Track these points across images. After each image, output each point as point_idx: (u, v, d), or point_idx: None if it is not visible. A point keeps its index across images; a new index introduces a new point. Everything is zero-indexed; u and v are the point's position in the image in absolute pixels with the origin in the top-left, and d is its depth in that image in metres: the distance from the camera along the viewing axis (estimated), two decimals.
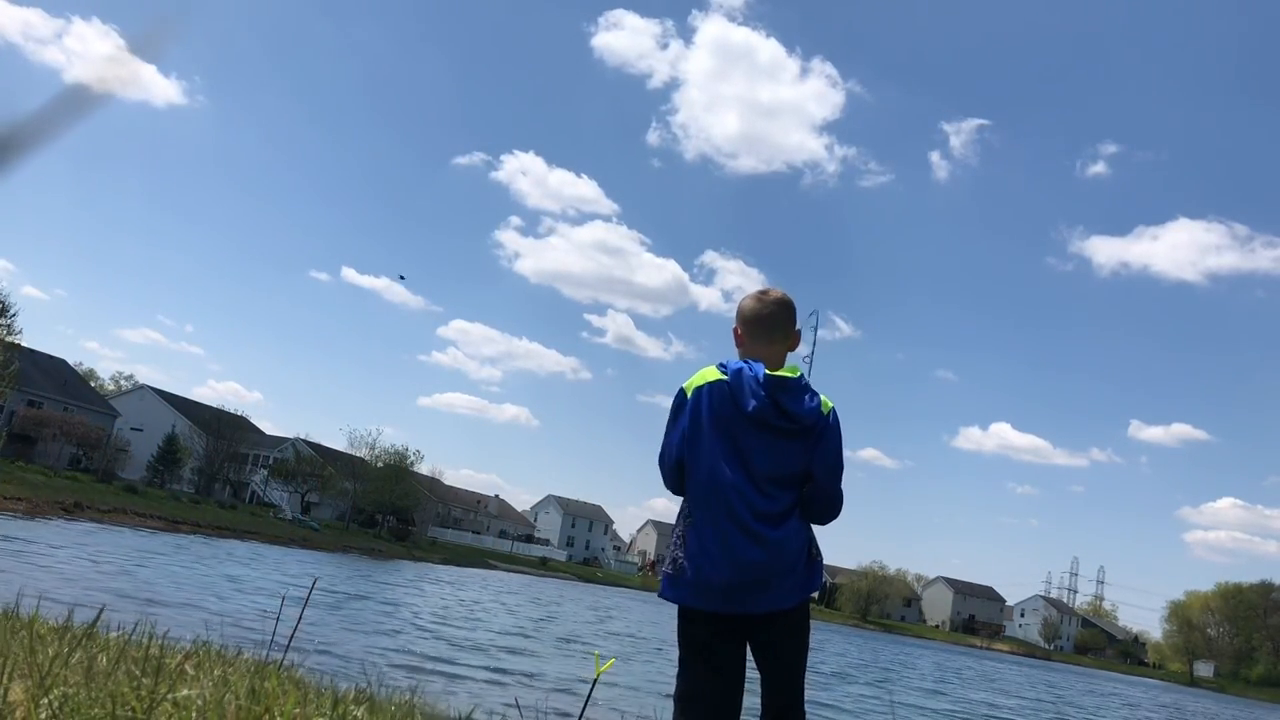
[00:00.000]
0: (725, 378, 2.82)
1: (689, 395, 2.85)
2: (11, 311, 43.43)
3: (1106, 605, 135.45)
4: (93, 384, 70.55)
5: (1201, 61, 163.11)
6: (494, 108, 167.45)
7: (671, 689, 2.78)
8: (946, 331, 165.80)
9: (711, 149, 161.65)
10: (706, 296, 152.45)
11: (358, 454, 67.32)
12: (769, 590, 2.66)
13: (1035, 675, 49.22)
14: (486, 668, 12.65)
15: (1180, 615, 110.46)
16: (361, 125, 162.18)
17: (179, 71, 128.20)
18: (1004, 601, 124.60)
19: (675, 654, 2.75)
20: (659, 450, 2.91)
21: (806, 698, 2.75)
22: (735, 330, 3.05)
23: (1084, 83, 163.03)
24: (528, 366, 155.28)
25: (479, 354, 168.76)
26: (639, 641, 22.85)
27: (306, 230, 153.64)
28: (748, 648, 2.76)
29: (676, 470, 2.85)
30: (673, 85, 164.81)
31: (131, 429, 62.90)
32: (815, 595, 3.18)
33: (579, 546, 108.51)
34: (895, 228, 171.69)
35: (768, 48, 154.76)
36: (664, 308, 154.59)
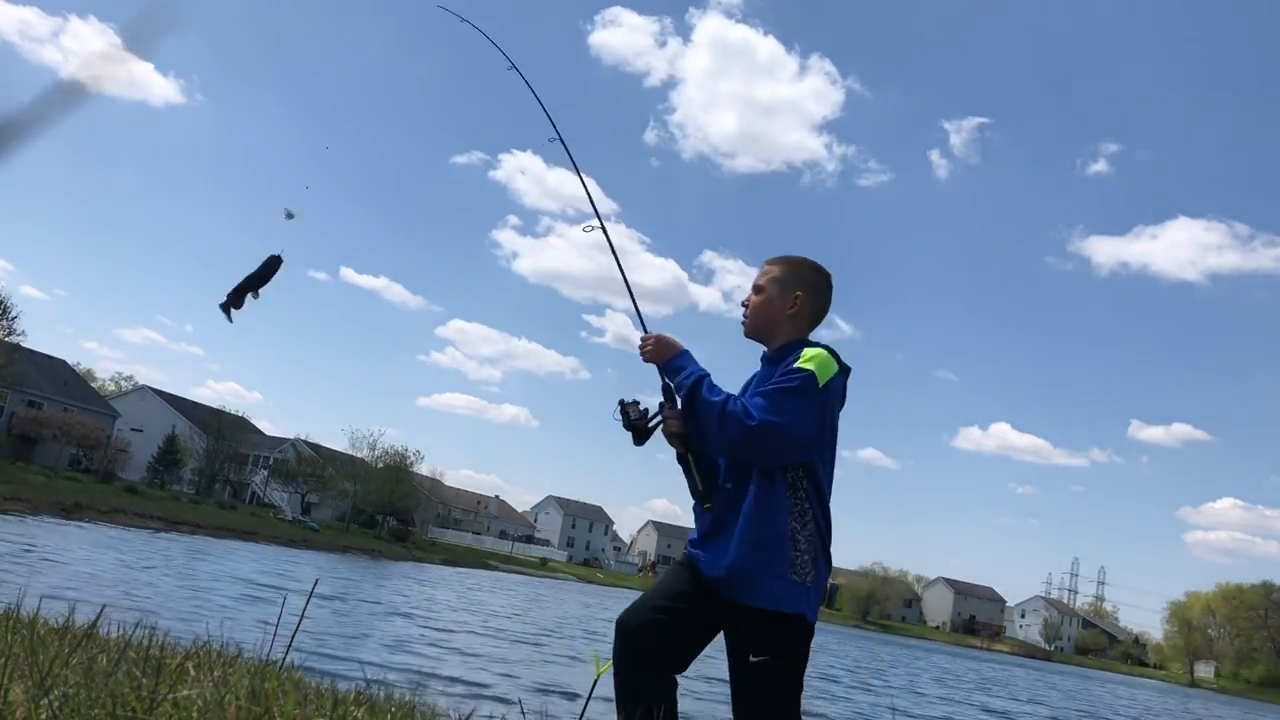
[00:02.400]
0: (841, 370, 2.65)
1: (836, 378, 2.62)
2: (13, 314, 43.59)
3: (1107, 606, 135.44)
4: (93, 384, 70.54)
5: (1203, 60, 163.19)
6: (492, 106, 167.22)
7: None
8: (946, 331, 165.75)
9: (709, 148, 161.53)
10: (706, 296, 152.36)
11: (358, 454, 67.36)
12: None
13: (1041, 678, 49.19)
14: (483, 669, 12.65)
15: (1180, 616, 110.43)
16: (359, 124, 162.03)
17: (177, 70, 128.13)
18: (1004, 602, 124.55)
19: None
20: (786, 419, 2.49)
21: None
22: (796, 297, 2.75)
23: (1085, 80, 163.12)
24: (527, 366, 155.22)
25: (478, 354, 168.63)
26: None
27: (304, 229, 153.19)
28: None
29: (808, 453, 2.56)
30: (670, 84, 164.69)
31: (131, 429, 62.88)
32: None
33: (579, 547, 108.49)
34: (895, 227, 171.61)
35: (766, 45, 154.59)
36: (663, 308, 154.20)
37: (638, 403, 2.83)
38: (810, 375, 2.55)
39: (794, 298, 2.76)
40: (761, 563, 2.50)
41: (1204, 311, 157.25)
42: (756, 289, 2.83)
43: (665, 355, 2.78)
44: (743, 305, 2.86)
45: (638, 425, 2.78)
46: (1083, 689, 43.19)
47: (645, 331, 2.88)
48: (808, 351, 2.63)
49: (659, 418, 2.78)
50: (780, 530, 2.52)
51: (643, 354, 2.83)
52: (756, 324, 2.81)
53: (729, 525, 2.59)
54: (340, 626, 14.62)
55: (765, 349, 2.82)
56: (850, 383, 2.72)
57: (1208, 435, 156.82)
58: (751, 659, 2.49)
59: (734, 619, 2.56)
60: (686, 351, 2.76)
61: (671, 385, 2.76)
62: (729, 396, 2.60)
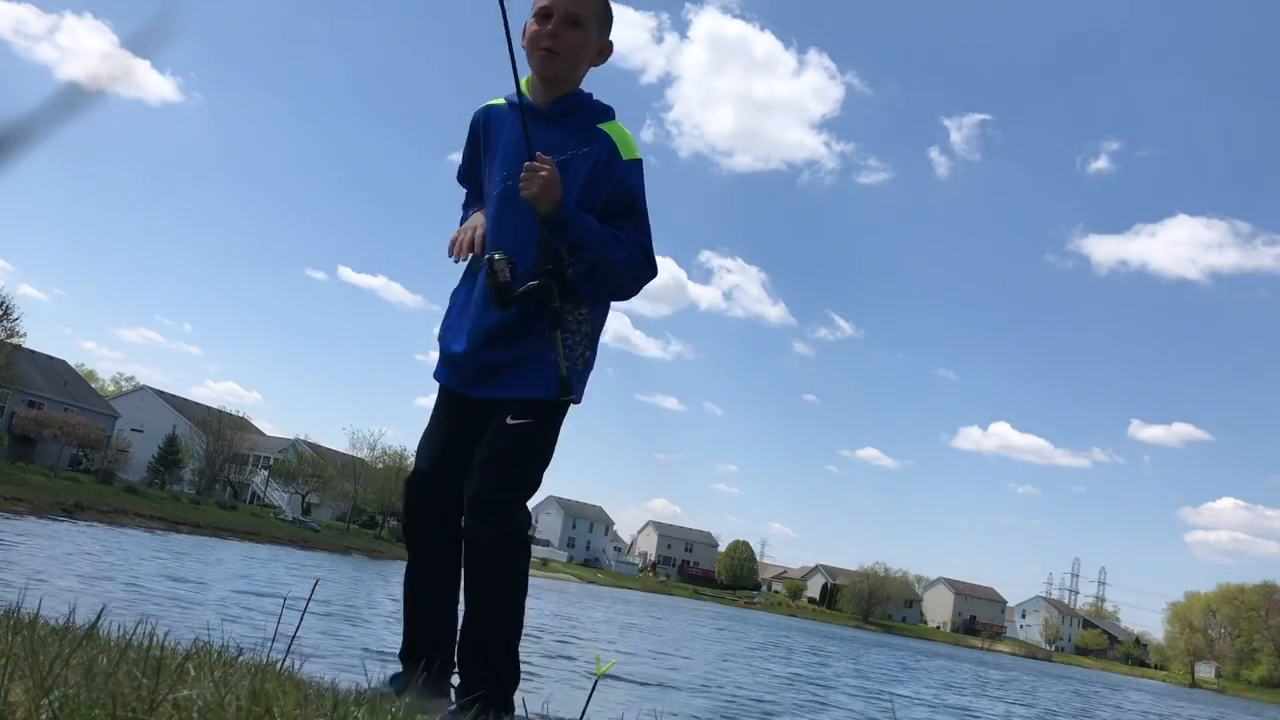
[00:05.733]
0: None
1: None
2: (14, 315, 43.58)
3: (1109, 606, 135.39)
4: (93, 384, 70.54)
5: (1204, 58, 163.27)
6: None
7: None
8: (946, 331, 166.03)
9: (707, 146, 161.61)
10: (705, 296, 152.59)
11: (359, 455, 67.39)
12: None
13: (1040, 680, 49.16)
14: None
15: (1181, 616, 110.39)
16: (357, 122, 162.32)
17: (174, 68, 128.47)
18: (1005, 602, 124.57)
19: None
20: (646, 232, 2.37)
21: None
22: (608, 45, 2.45)
23: (1087, 78, 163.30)
24: None
25: None
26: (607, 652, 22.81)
27: (303, 228, 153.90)
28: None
29: None
30: (667, 80, 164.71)
31: (132, 430, 62.91)
32: None
33: (580, 547, 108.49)
34: (895, 225, 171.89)
35: (763, 41, 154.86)
36: (662, 307, 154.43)
37: (514, 263, 2.21)
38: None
39: (607, 44, 2.42)
40: (532, 355, 2.31)
41: (1205, 310, 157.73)
42: (574, 20, 2.28)
43: (558, 197, 2.16)
44: (551, 35, 2.27)
45: (505, 288, 2.18)
46: (1086, 692, 43.18)
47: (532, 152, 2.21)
48: (624, 134, 2.35)
49: (535, 285, 2.19)
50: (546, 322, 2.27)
51: (532, 183, 2.14)
52: (567, 66, 2.32)
53: (508, 330, 2.32)
54: (340, 626, 14.63)
55: (539, 95, 2.35)
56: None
57: (1208, 435, 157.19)
58: (510, 420, 2.30)
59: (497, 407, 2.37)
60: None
61: (563, 240, 2.21)
62: (629, 244, 2.26)
